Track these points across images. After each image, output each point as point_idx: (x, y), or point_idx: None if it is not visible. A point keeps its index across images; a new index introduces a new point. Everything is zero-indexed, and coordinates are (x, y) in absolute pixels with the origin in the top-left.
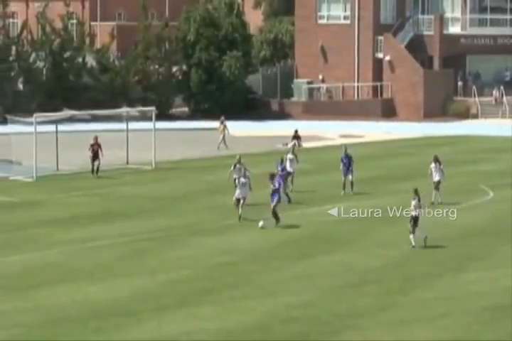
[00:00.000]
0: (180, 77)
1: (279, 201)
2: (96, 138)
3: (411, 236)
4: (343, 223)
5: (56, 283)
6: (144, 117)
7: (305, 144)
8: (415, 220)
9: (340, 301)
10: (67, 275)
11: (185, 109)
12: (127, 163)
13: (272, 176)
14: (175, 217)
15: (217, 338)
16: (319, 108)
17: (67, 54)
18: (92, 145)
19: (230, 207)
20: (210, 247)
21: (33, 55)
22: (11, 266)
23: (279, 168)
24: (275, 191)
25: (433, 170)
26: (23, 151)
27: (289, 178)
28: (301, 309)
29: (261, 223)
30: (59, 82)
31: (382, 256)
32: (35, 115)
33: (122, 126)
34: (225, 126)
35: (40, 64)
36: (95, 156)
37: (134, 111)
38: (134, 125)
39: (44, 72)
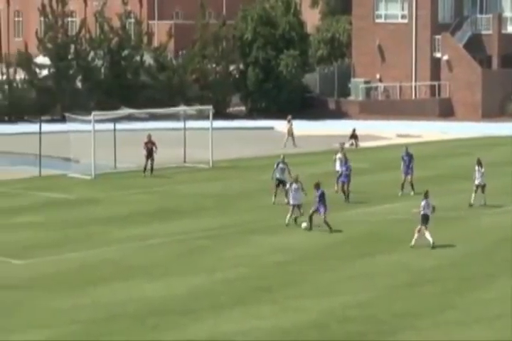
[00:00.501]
0: (237, 76)
1: (325, 210)
2: (149, 136)
3: (416, 235)
4: (399, 223)
5: (113, 281)
6: (201, 116)
7: (362, 143)
8: (426, 219)
9: (397, 301)
10: (125, 273)
11: (242, 107)
12: (184, 161)
13: (317, 185)
14: (231, 215)
15: (274, 337)
16: (376, 107)
17: (125, 52)
18: (145, 144)
19: (286, 206)
20: (266, 246)
21: (92, 53)
22: (69, 263)
23: (343, 168)
24: (319, 201)
25: (476, 173)
26: (81, 149)
27: (340, 178)
28: (357, 308)
29: (304, 225)
30: (117, 81)
31: (438, 256)
32: (93, 113)
33: (179, 124)
34: (291, 125)
35: (98, 62)
36: (149, 155)
37: (191, 109)
38: (191, 124)
39: (102, 70)
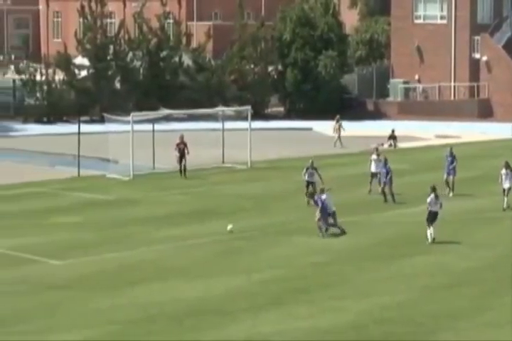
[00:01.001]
0: (275, 77)
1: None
2: (182, 137)
3: (429, 231)
4: (438, 224)
5: (152, 281)
6: (239, 116)
7: (400, 144)
8: (434, 216)
9: (435, 302)
10: (163, 273)
11: (281, 108)
12: (223, 162)
13: (321, 191)
14: (269, 216)
15: (312, 337)
16: (415, 108)
17: (163, 53)
18: (177, 145)
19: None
20: (304, 246)
21: (130, 54)
22: (107, 264)
23: (383, 170)
24: (322, 209)
25: (503, 176)
26: (119, 150)
27: (375, 179)
28: (395, 309)
29: (229, 227)
30: (155, 81)
31: (476, 257)
32: (132, 114)
33: (218, 125)
34: (340, 125)
35: (137, 63)
36: (182, 156)
37: (229, 110)
38: (229, 124)
39: (141, 71)
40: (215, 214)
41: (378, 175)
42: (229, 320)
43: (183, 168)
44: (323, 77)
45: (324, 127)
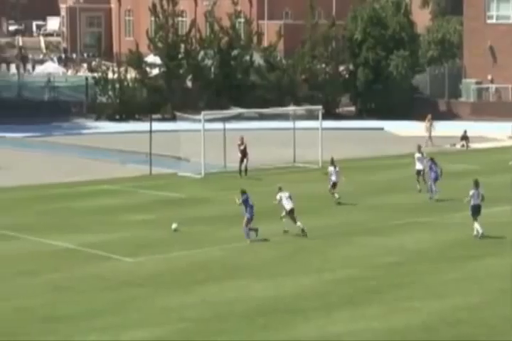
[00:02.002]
0: (346, 76)
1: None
2: (242, 138)
3: (475, 224)
4: (510, 225)
5: (222, 280)
6: (310, 116)
7: (473, 145)
8: (477, 209)
9: (509, 304)
10: (233, 272)
11: (352, 108)
12: (294, 161)
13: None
14: (340, 215)
15: (383, 338)
16: (488, 108)
17: (234, 52)
18: (239, 146)
19: (396, 207)
20: (375, 246)
21: (201, 53)
22: (177, 262)
23: (432, 174)
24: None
25: None
26: (191, 148)
27: (419, 177)
28: (467, 311)
29: (174, 225)
30: (227, 80)
31: None
32: (203, 112)
33: (289, 124)
34: (431, 124)
35: (208, 62)
36: (243, 156)
37: (300, 109)
38: (300, 124)
39: (212, 70)
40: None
41: (422, 172)
42: (300, 319)
43: (243, 168)
44: (394, 77)
45: (395, 127)
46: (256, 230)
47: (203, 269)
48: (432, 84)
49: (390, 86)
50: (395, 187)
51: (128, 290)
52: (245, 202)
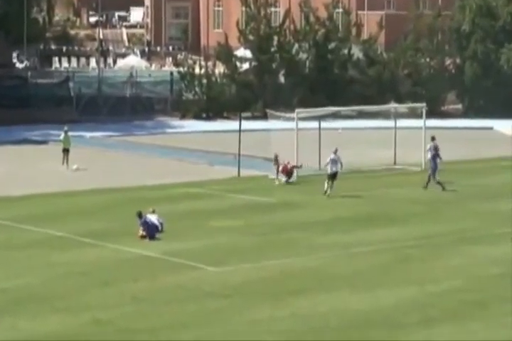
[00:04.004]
0: (453, 71)
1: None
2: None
3: None
4: None
5: (315, 291)
6: (413, 114)
7: None
8: None
9: None
10: (327, 283)
11: (459, 106)
12: (394, 163)
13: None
14: (444, 222)
15: None
16: None
17: (331, 45)
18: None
19: (508, 213)
20: (482, 256)
21: (296, 46)
22: (268, 271)
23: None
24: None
25: None
26: (283, 149)
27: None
28: None
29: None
30: (322, 75)
31: None
32: (296, 110)
33: (390, 123)
34: None
35: (303, 56)
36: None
37: (402, 107)
38: (402, 122)
39: (307, 64)
40: (384, 220)
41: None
42: (399, 333)
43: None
44: (505, 72)
45: (506, 126)
46: None
47: (295, 279)
48: None
49: (501, 81)
50: (506, 192)
51: (214, 301)
52: (145, 223)
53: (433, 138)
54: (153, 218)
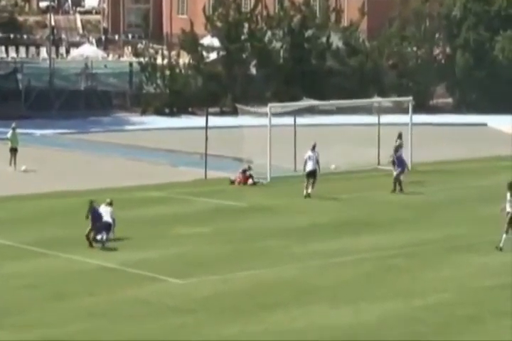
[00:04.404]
0: (442, 62)
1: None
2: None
3: (504, 235)
4: None
5: (291, 304)
6: (398, 109)
7: None
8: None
9: None
10: (305, 296)
11: (449, 99)
12: (378, 163)
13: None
14: (434, 229)
15: None
16: None
17: (308, 33)
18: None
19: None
20: (476, 266)
21: (269, 33)
22: (239, 284)
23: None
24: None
25: None
26: (254, 147)
27: None
28: None
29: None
30: (298, 66)
31: None
32: (269, 105)
33: (373, 119)
34: None
35: (276, 44)
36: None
37: (386, 101)
38: (386, 118)
39: (281, 54)
40: (368, 225)
41: None
42: None
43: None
44: (500, 63)
45: (501, 122)
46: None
47: (270, 292)
48: None
49: (495, 73)
50: (504, 195)
51: (177, 317)
52: (94, 213)
53: (400, 136)
54: (105, 212)
